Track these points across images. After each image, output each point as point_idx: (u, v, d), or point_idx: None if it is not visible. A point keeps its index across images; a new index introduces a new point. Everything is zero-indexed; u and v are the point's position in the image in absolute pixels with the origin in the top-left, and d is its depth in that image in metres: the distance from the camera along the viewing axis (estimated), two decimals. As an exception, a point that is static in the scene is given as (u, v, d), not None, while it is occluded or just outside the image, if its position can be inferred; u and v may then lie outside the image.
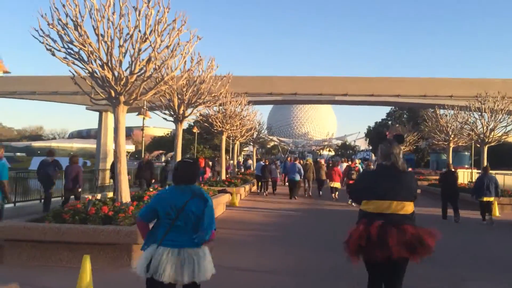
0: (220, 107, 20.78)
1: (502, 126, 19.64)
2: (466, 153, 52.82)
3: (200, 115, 19.21)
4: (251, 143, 43.64)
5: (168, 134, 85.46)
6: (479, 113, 20.25)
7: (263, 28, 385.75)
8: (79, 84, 8.38)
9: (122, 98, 8.55)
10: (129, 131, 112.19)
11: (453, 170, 14.84)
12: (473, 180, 18.78)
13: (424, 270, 6.73)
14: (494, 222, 12.96)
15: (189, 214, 3.63)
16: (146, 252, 3.67)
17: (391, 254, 3.79)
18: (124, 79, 8.35)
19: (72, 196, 12.30)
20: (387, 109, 68.70)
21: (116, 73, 8.09)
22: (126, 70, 8.38)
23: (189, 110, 13.40)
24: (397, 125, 48.66)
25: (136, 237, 6.54)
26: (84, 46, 7.69)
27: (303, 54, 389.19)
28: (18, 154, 79.98)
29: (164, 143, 78.16)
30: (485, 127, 19.70)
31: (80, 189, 12.57)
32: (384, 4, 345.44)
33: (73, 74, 8.20)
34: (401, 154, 4.22)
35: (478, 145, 20.39)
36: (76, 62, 8.07)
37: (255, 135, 38.18)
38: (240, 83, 26.66)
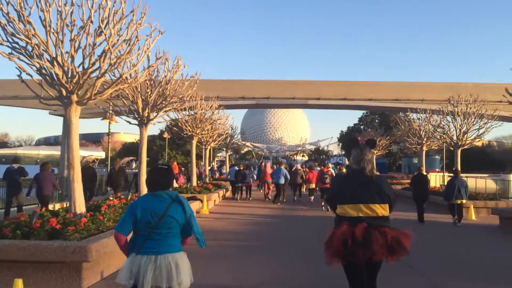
0: (190, 111, 20.08)
1: (474, 129, 19.57)
2: (437, 156, 53.61)
3: (171, 119, 18.58)
4: (223, 149, 42.91)
5: (139, 140, 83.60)
6: (452, 117, 20.15)
7: (235, 30, 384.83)
8: (28, 83, 7.54)
9: (74, 98, 7.73)
10: (99, 137, 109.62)
11: (424, 173, 14.86)
12: (445, 183, 18.88)
13: (401, 276, 6.51)
14: (462, 224, 13.14)
15: (170, 220, 3.58)
16: (127, 261, 3.59)
17: (373, 256, 3.88)
18: (76, 76, 7.55)
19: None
20: (360, 113, 69.31)
21: (66, 70, 7.27)
22: (78, 67, 7.58)
23: (157, 114, 12.62)
24: (369, 130, 48.82)
25: (86, 254, 5.73)
26: (30, 39, 6.84)
27: (276, 57, 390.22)
28: (-18, 162, 76.54)
29: (135, 149, 76.04)
30: (458, 130, 19.60)
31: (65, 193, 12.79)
32: (357, 9, 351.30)
33: (19, 71, 7.35)
34: (373, 159, 4.30)
35: (451, 148, 20.27)
36: (22, 57, 7.22)
37: (228, 140, 37.67)
38: (211, 87, 26.02)
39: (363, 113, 69.67)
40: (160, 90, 12.10)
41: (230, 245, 9.36)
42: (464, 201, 13.37)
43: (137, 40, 7.89)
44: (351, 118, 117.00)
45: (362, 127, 67.33)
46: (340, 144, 79.53)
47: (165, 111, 12.78)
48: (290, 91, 35.08)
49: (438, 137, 21.08)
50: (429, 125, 22.59)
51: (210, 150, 48.89)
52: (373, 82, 36.91)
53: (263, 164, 29.84)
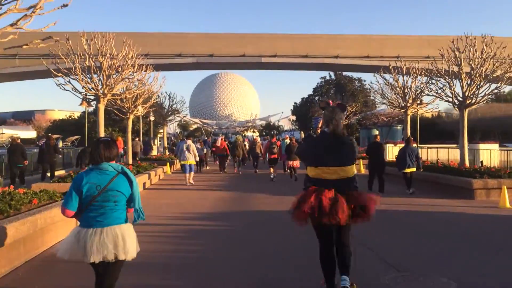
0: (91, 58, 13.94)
1: (487, 82, 14.67)
2: (399, 127, 50.02)
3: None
4: (164, 122, 36.34)
5: (70, 116, 74.72)
6: (452, 75, 15.10)
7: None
8: None
9: None
10: (30, 115, 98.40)
11: (379, 141, 14.60)
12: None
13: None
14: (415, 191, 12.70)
15: (115, 194, 3.59)
16: (70, 235, 3.60)
17: (338, 223, 4.04)
18: None
19: None
20: (314, 84, 64.67)
21: None
22: None
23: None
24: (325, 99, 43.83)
25: None
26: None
27: (222, 7, 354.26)
28: None
29: (66, 127, 67.65)
30: (465, 84, 14.56)
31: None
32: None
33: None
34: (341, 121, 4.38)
35: (457, 110, 15.39)
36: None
37: (165, 112, 31.80)
38: (139, 41, 19.34)
39: (318, 83, 65.59)
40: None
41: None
42: (414, 169, 13.08)
43: None
44: (305, 90, 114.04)
45: (317, 98, 62.96)
46: (294, 117, 75.10)
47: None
48: (240, 47, 28.34)
49: (437, 94, 15.94)
50: (419, 78, 17.70)
51: (151, 124, 42.21)
52: (339, 36, 30.84)
53: (209, 139, 30.38)
